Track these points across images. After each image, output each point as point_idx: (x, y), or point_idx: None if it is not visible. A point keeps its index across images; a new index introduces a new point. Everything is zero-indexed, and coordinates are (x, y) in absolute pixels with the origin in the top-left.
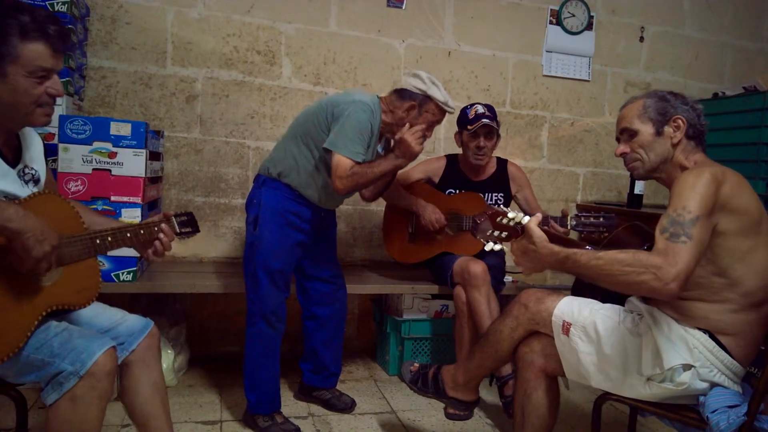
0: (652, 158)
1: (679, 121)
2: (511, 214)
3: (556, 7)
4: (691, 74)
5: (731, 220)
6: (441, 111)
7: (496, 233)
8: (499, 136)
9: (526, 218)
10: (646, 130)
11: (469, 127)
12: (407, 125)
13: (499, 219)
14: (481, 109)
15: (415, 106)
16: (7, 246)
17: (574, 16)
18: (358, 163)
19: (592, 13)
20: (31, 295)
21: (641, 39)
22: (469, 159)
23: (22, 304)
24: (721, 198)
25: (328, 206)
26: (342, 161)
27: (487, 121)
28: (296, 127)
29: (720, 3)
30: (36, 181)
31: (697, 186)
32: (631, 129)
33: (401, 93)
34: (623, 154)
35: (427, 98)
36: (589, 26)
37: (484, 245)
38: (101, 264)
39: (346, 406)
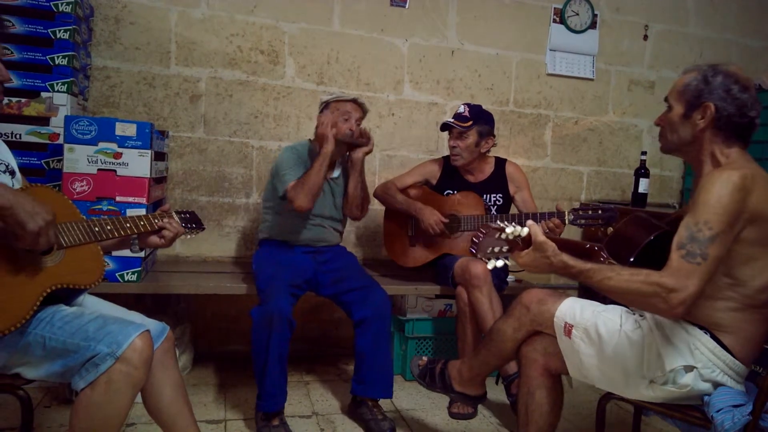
0: (674, 139)
1: (708, 110)
2: (509, 229)
3: (560, 6)
4: None
5: (755, 229)
6: (338, 101)
7: (497, 249)
8: (482, 134)
9: (525, 230)
10: (677, 109)
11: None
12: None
13: (498, 235)
14: (460, 109)
15: (321, 114)
16: (4, 227)
17: (577, 14)
18: (297, 180)
19: (595, 12)
20: (34, 273)
21: (645, 37)
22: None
23: (26, 282)
24: (749, 207)
25: (314, 242)
26: (287, 190)
27: (451, 121)
28: (264, 193)
29: (724, 1)
30: (12, 173)
31: (723, 197)
32: (669, 102)
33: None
34: (657, 124)
35: (323, 103)
36: (592, 25)
37: (487, 263)
38: (106, 264)
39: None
